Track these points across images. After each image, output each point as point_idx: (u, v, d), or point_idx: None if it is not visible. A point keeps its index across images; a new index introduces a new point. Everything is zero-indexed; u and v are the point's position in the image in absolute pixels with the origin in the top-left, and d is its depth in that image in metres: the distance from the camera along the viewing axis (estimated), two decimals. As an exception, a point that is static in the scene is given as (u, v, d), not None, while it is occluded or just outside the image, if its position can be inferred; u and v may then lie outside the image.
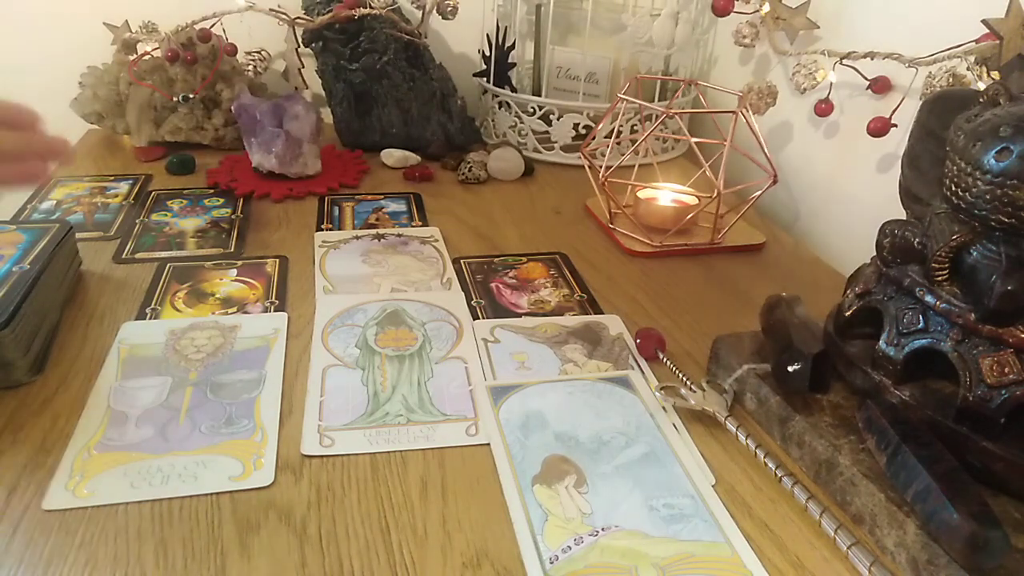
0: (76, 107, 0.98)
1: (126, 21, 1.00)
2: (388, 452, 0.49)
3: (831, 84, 0.81)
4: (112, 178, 0.90)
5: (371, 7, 0.95)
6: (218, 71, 0.98)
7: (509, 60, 1.02)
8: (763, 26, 0.90)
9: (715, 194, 0.73)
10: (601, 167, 0.77)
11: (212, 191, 0.87)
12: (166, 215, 0.81)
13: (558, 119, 1.00)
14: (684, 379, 0.56)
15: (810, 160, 0.90)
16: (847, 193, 0.84)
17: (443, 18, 1.01)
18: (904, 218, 0.51)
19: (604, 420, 0.52)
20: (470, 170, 0.94)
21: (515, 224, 0.83)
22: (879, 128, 0.74)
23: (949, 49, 0.67)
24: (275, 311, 0.64)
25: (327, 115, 1.02)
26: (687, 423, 0.52)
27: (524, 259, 0.75)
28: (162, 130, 0.98)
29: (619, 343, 0.62)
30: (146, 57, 0.96)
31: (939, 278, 0.45)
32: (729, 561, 0.42)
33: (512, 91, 1.03)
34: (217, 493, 0.45)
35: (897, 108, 0.73)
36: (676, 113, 0.75)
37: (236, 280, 0.68)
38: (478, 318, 0.64)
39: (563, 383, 0.56)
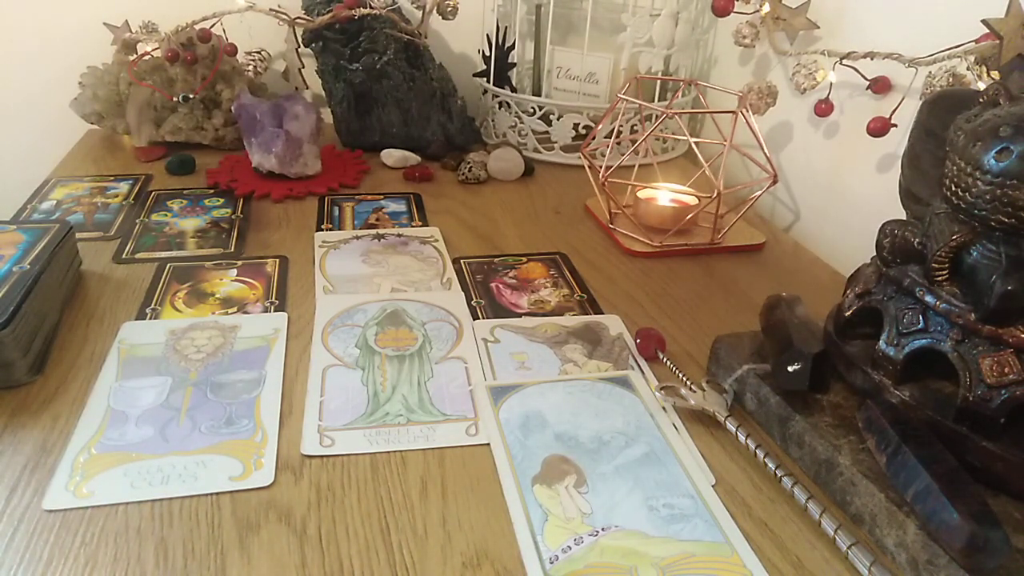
0: (76, 107, 0.98)
1: (126, 21, 1.00)
2: (388, 452, 0.49)
3: (831, 84, 0.81)
4: (112, 178, 0.90)
5: (371, 7, 0.95)
6: (218, 71, 0.98)
7: (509, 60, 1.02)
8: (763, 26, 0.90)
9: (715, 194, 0.73)
10: (601, 167, 0.77)
11: (212, 191, 0.87)
12: (166, 215, 0.81)
13: (558, 119, 1.00)
14: (684, 379, 0.56)
15: (810, 160, 0.90)
16: (847, 193, 0.84)
17: (443, 18, 1.01)
18: (904, 218, 0.51)
19: (604, 420, 0.52)
20: (470, 170, 0.94)
21: (515, 224, 0.83)
22: (879, 128, 0.74)
23: (949, 49, 0.67)
24: (275, 311, 0.64)
25: (327, 115, 1.02)
26: (687, 423, 0.52)
27: (524, 259, 0.75)
28: (162, 130, 0.98)
29: (619, 343, 0.62)
30: (146, 57, 0.96)
31: (939, 278, 0.45)
32: (729, 561, 0.42)
33: (512, 91, 1.03)
34: (217, 493, 0.45)
35: (897, 108, 0.73)
36: (676, 113, 0.75)
37: (236, 280, 0.68)
38: (478, 318, 0.64)
39: (563, 383, 0.56)
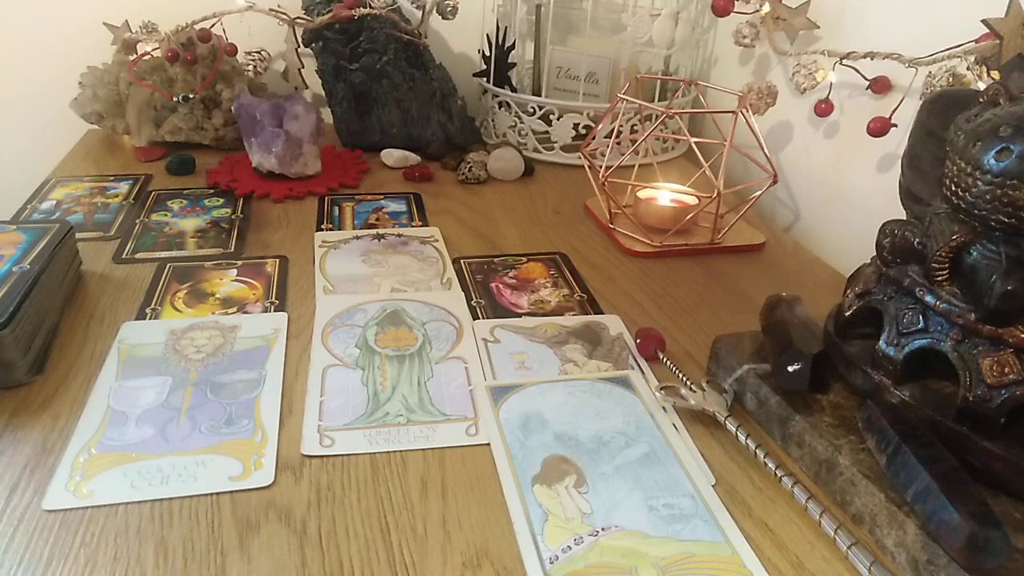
0: (76, 107, 0.98)
1: (126, 21, 0.99)
2: (388, 452, 0.49)
3: (831, 84, 0.81)
4: (112, 178, 0.90)
5: (371, 7, 0.95)
6: (218, 71, 0.98)
7: (509, 60, 1.02)
8: (763, 26, 0.90)
9: (715, 194, 0.73)
10: (601, 167, 0.77)
11: (212, 191, 0.87)
12: (166, 215, 0.81)
13: (558, 119, 1.00)
14: (684, 379, 0.56)
15: (810, 160, 0.90)
16: (847, 193, 0.84)
17: (443, 18, 1.01)
18: (904, 218, 0.51)
19: (604, 420, 0.52)
20: (470, 170, 0.94)
21: (515, 224, 0.83)
22: (879, 128, 0.74)
23: (949, 49, 0.67)
24: (275, 311, 0.64)
25: (327, 115, 1.02)
26: (687, 423, 0.52)
27: (524, 259, 0.75)
28: (162, 130, 0.98)
29: (619, 343, 0.62)
30: (146, 57, 0.96)
31: (939, 278, 0.45)
32: (729, 561, 0.42)
33: (512, 91, 1.03)
34: (217, 493, 0.45)
35: (897, 108, 0.73)
36: (676, 113, 0.75)
37: (236, 280, 0.68)
38: (478, 318, 0.64)
39: (563, 383, 0.56)
